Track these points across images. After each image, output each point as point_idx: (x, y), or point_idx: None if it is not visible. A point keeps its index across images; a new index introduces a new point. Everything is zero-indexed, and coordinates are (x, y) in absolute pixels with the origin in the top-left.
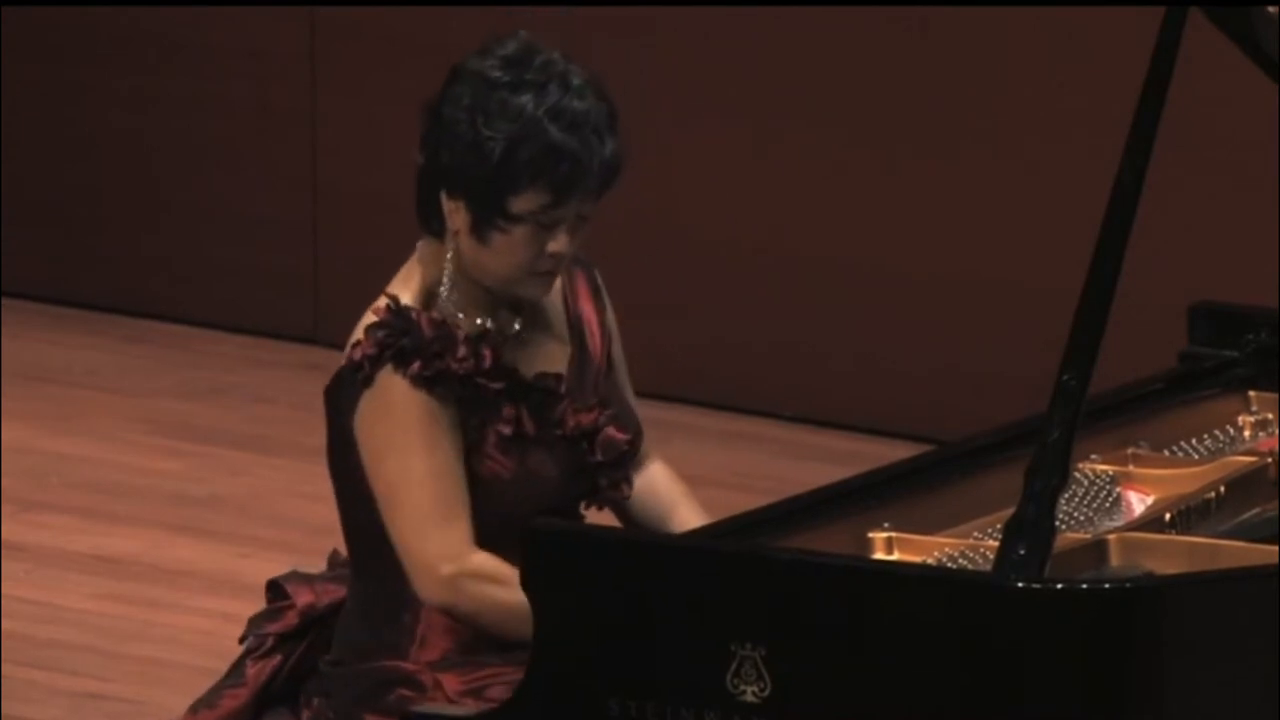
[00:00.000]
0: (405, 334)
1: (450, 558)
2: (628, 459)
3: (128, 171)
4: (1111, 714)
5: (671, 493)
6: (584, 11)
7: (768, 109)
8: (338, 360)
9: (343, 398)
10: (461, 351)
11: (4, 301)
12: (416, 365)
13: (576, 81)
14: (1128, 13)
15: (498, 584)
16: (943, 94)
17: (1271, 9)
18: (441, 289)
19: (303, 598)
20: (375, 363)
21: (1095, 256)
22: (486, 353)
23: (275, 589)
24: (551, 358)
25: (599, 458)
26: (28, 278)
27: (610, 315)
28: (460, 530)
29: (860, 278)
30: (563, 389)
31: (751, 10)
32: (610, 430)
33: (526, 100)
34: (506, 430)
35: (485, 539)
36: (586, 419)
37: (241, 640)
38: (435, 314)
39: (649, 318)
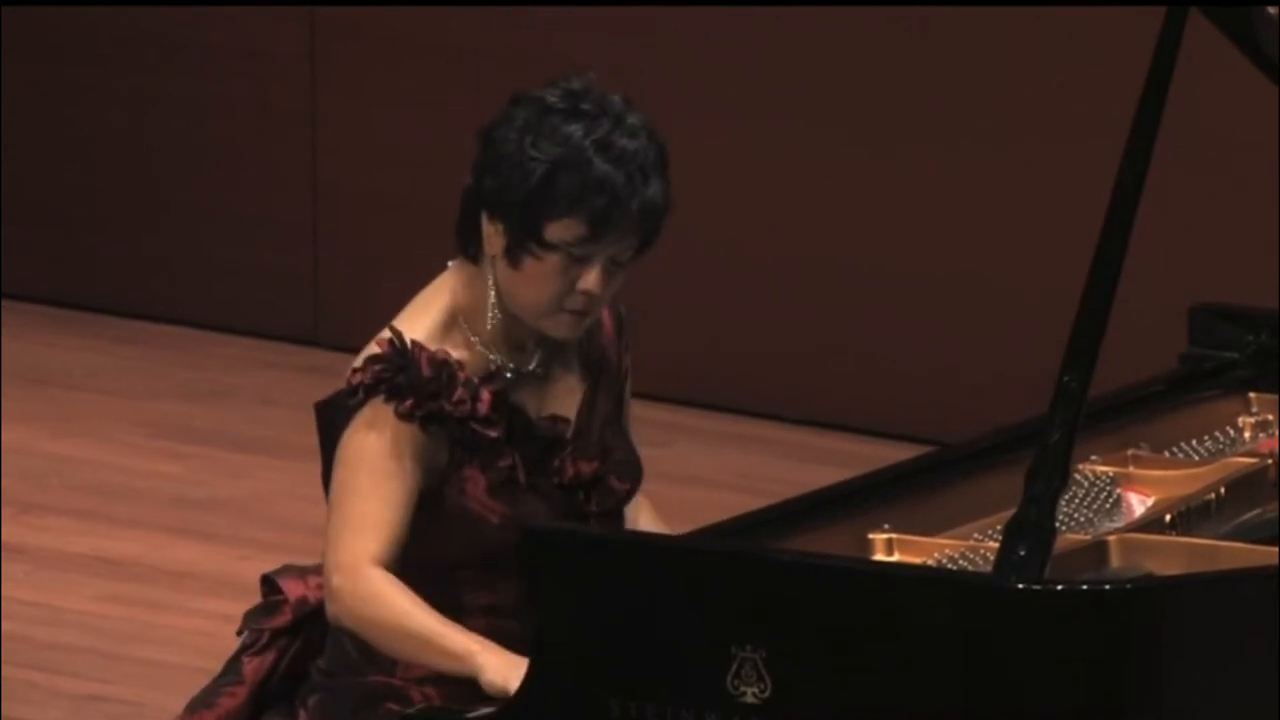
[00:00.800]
0: (402, 370)
1: (341, 570)
2: (622, 506)
3: (128, 172)
4: (1111, 715)
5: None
6: (584, 11)
7: (770, 111)
8: (338, 363)
9: (335, 420)
10: (458, 394)
11: (4, 303)
12: (409, 403)
13: (631, 121)
14: (1128, 13)
15: (370, 601)
16: (943, 95)
17: (1271, 9)
18: (489, 316)
19: (295, 592)
20: (370, 391)
21: (1096, 258)
22: (485, 396)
23: (268, 583)
24: (565, 396)
25: (594, 508)
26: (28, 279)
27: (629, 357)
28: (363, 547)
29: (862, 280)
30: (568, 434)
31: (752, 10)
32: (611, 480)
33: (576, 129)
34: (497, 479)
35: (469, 570)
36: (587, 469)
37: (238, 634)
38: (440, 352)
39: (651, 320)
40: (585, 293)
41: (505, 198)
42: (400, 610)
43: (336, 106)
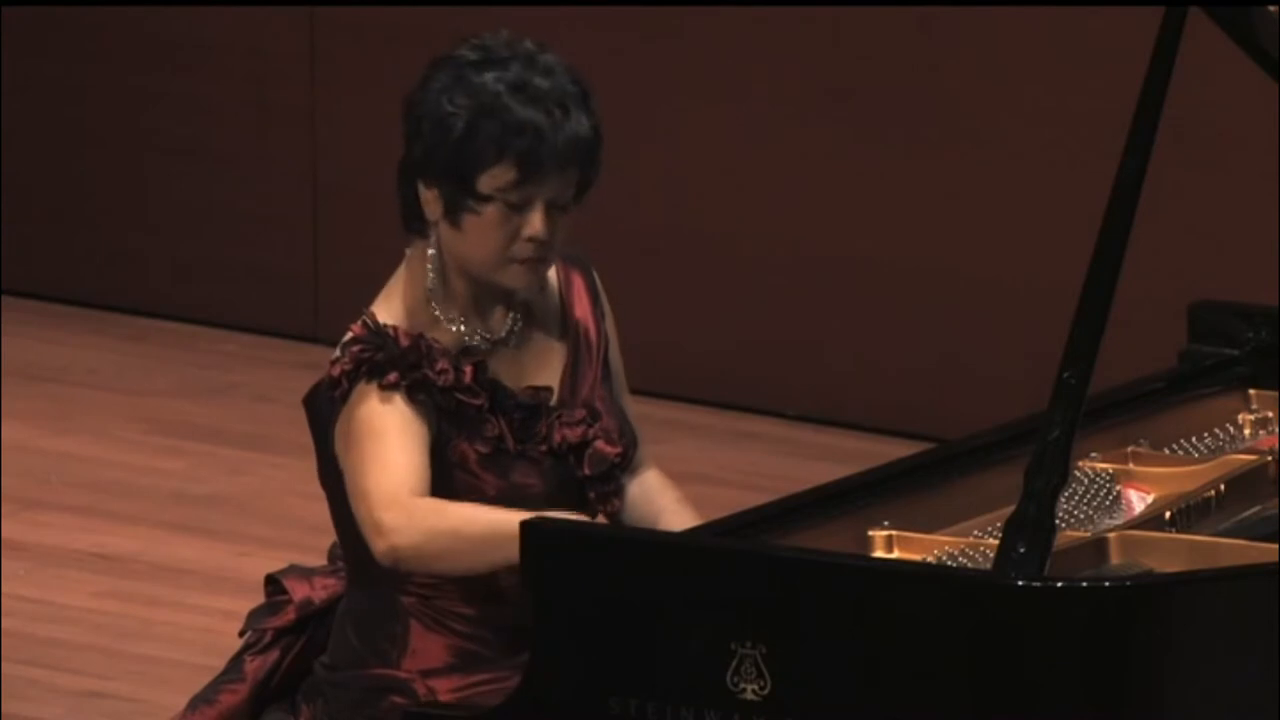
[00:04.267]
0: (380, 349)
1: (392, 506)
2: (618, 472)
3: (128, 170)
4: (1111, 712)
5: (660, 500)
6: (585, 11)
7: (772, 108)
8: None
9: (320, 411)
10: (440, 364)
11: (4, 300)
12: (392, 376)
13: (545, 59)
14: (1128, 13)
15: (431, 514)
16: (945, 93)
17: (1272, 8)
18: (429, 284)
19: (300, 592)
20: (352, 377)
21: (1095, 255)
22: (468, 368)
23: (273, 583)
24: (546, 363)
25: (586, 472)
26: (28, 276)
27: (609, 320)
28: (406, 484)
29: (863, 276)
30: (551, 402)
31: (753, 10)
32: (599, 444)
33: (489, 76)
34: (485, 449)
35: None
36: (573, 434)
37: (241, 634)
38: (414, 329)
39: (651, 316)
40: (531, 239)
41: (433, 158)
42: (459, 514)
43: (336, 106)
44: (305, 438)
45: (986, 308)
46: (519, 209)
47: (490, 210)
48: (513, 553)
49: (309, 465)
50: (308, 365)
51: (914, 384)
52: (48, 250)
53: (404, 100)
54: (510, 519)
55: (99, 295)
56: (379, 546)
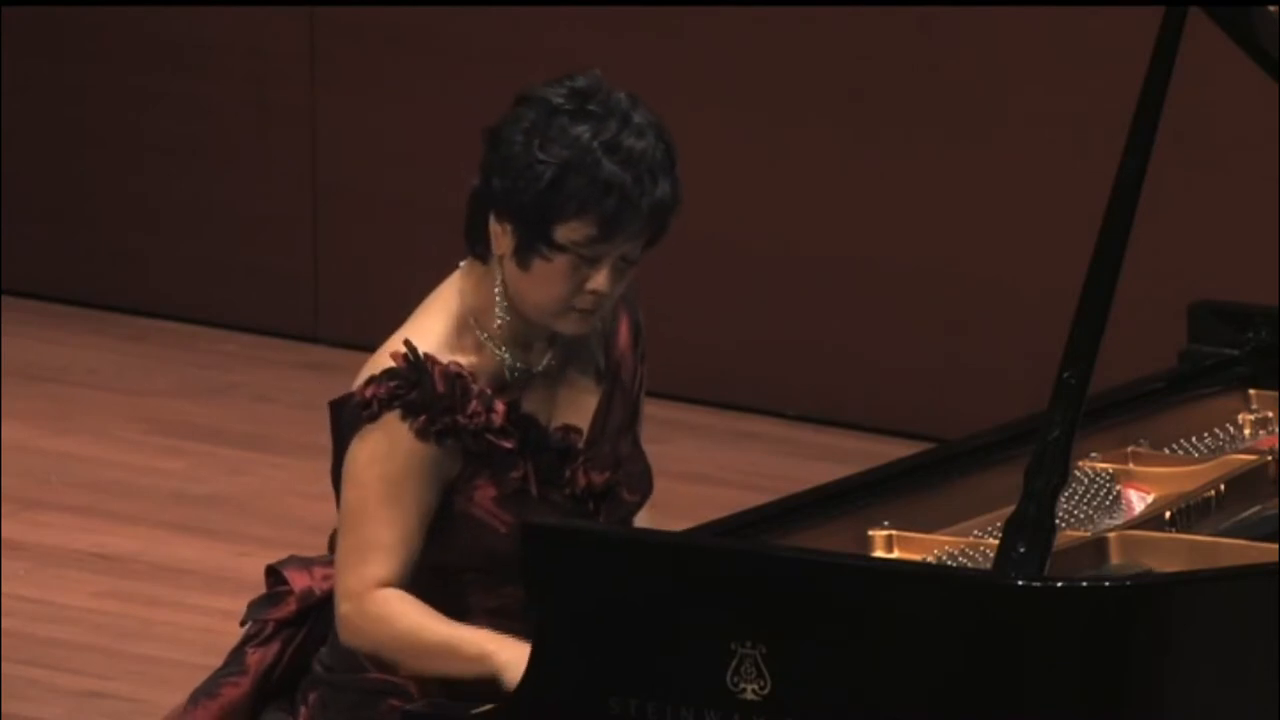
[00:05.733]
0: (416, 386)
1: (349, 597)
2: (630, 518)
3: (128, 169)
4: (1111, 712)
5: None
6: (585, 11)
7: (772, 108)
8: (338, 359)
9: (345, 422)
10: (473, 406)
11: (4, 300)
12: (423, 420)
13: (638, 120)
14: (1128, 13)
15: (379, 621)
16: (945, 93)
17: (1272, 8)
18: (496, 315)
19: (301, 583)
20: (385, 405)
21: (1095, 255)
22: (500, 407)
23: (274, 575)
24: (580, 400)
25: (602, 520)
26: (27, 276)
27: (645, 367)
28: (373, 574)
29: (863, 276)
30: (580, 445)
31: (753, 10)
32: (622, 492)
33: (584, 130)
34: (508, 490)
35: (473, 573)
36: (599, 479)
37: (242, 624)
38: (453, 365)
39: (651, 316)
40: (595, 292)
41: (513, 200)
42: (409, 625)
43: (336, 106)
44: (305, 437)
45: (986, 308)
46: (590, 263)
47: (561, 260)
48: (462, 670)
49: (309, 465)
50: (308, 365)
51: (914, 384)
52: (48, 250)
53: (487, 131)
54: (464, 641)
55: (99, 295)
56: (340, 633)
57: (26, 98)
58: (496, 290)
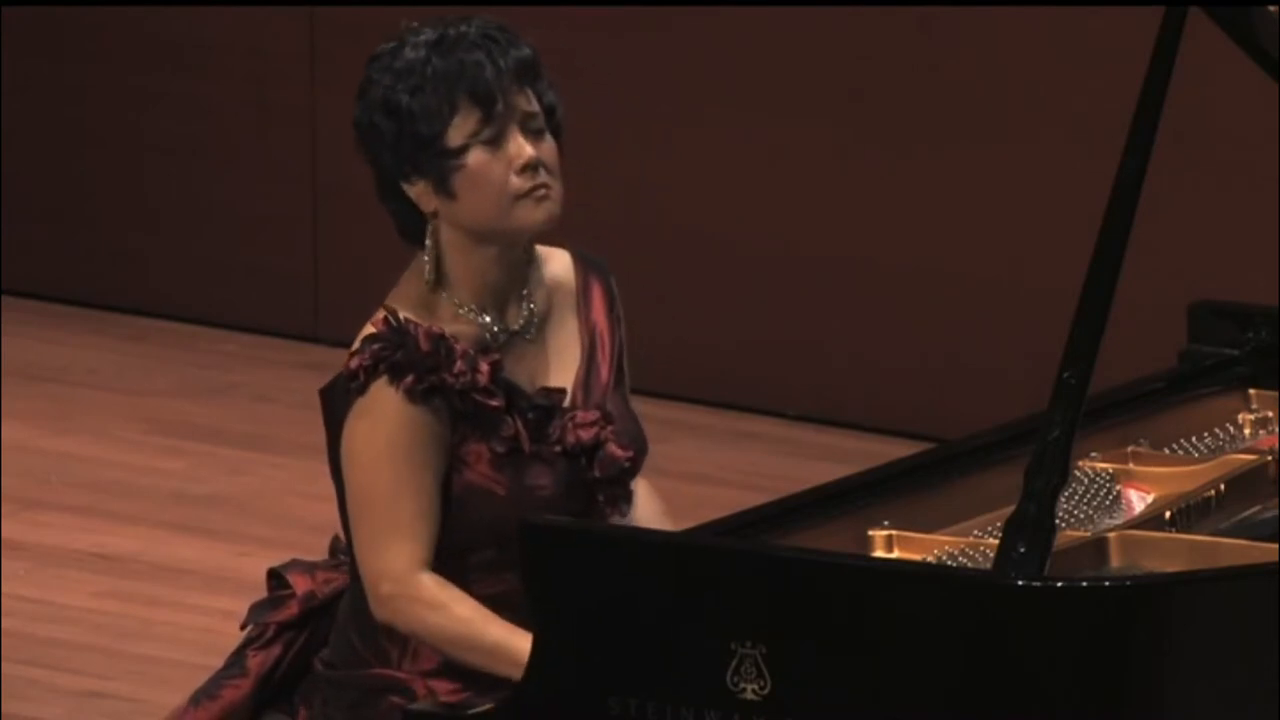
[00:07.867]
0: (400, 347)
1: (392, 578)
2: (628, 476)
3: (128, 169)
4: (1111, 712)
5: (645, 512)
6: (586, 11)
7: (772, 108)
8: (338, 359)
9: (336, 404)
10: (458, 365)
11: (4, 300)
12: (410, 379)
13: (460, 26)
14: (1128, 13)
15: (432, 609)
16: (945, 93)
17: (1272, 8)
18: (426, 277)
19: (303, 586)
20: (370, 373)
21: (1095, 255)
22: (485, 366)
23: (276, 577)
24: (561, 363)
25: (597, 474)
26: (27, 276)
27: (623, 327)
28: (409, 550)
29: (863, 276)
30: (565, 403)
31: (753, 10)
32: (611, 447)
33: (407, 51)
34: (501, 449)
35: (480, 554)
36: (587, 435)
37: (242, 627)
38: (435, 327)
39: (652, 316)
40: (525, 165)
41: (401, 153)
42: (462, 618)
43: (336, 106)
44: (305, 437)
45: (986, 308)
46: (497, 143)
47: (472, 157)
48: (509, 671)
49: (309, 465)
50: (308, 365)
51: (914, 384)
52: (48, 250)
53: (353, 122)
54: (517, 645)
55: (99, 295)
56: (377, 612)
57: (26, 98)
58: (427, 244)
